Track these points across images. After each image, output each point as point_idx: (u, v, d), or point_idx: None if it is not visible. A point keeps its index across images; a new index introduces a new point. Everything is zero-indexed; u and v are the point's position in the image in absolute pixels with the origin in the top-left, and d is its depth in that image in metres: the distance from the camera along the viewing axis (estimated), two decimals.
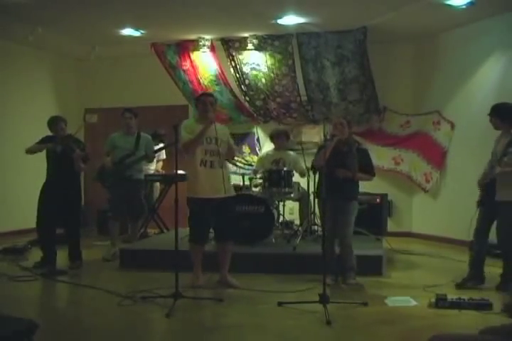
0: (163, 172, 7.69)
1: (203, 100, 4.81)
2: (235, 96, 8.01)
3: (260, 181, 6.14)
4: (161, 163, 7.73)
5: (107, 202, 6.26)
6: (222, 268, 4.84)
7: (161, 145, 7.00)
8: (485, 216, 4.67)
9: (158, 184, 7.68)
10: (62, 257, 5.63)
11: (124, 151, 6.08)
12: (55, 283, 5.09)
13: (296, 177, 6.15)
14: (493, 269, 4.79)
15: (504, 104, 4.71)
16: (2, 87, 7.67)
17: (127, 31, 7.28)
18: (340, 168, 4.69)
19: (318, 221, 6.19)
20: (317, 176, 4.70)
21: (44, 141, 5.57)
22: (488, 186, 4.56)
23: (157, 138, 7.00)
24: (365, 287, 4.72)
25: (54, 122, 5.55)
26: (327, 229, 4.72)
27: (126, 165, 6.04)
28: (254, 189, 6.30)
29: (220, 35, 7.48)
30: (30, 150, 5.51)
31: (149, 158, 6.30)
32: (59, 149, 5.41)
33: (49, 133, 5.60)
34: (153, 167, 7.48)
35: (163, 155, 7.59)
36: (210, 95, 5.06)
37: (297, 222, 6.62)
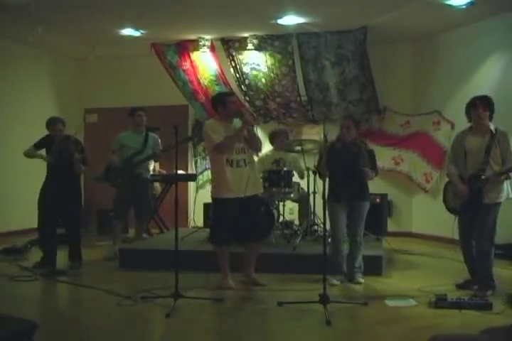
0: (162, 171, 7.59)
1: (234, 100, 4.68)
2: None
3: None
4: (157, 164, 7.55)
5: (112, 201, 6.23)
6: (249, 267, 4.83)
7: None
8: (468, 221, 4.45)
9: (158, 184, 7.64)
10: (62, 257, 5.62)
11: (132, 150, 6.07)
12: (55, 283, 5.09)
13: (295, 178, 6.14)
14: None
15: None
16: (2, 87, 7.66)
17: (127, 31, 7.27)
18: (354, 168, 4.67)
19: (318, 221, 6.19)
20: (318, 178, 4.66)
21: (43, 143, 5.59)
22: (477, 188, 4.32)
23: None
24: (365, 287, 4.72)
25: (52, 123, 5.54)
26: (337, 230, 4.76)
27: (134, 163, 6.04)
28: None
29: (220, 35, 7.48)
30: (27, 155, 5.62)
31: (157, 157, 6.27)
32: (53, 161, 5.43)
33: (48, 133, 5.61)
34: (151, 167, 7.41)
35: None
36: (234, 94, 4.92)
37: (297, 222, 6.61)
